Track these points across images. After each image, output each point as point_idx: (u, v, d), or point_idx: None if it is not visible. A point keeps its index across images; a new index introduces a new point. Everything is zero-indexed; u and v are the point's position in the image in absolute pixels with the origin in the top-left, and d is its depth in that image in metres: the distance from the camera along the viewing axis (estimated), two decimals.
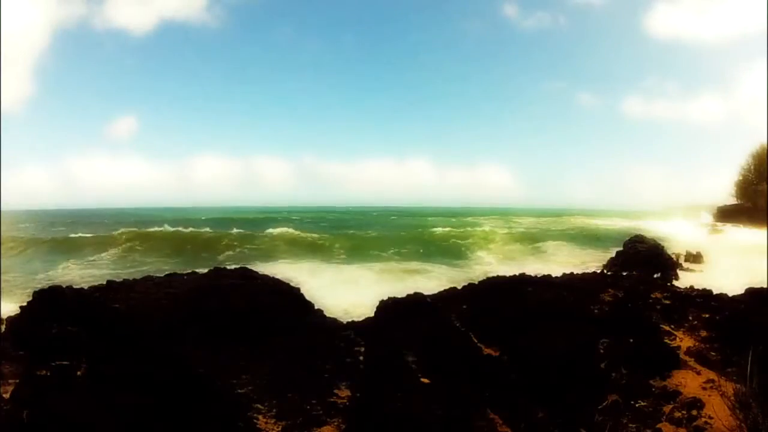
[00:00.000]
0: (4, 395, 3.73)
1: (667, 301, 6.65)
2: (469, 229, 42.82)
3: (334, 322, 6.90)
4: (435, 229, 42.73)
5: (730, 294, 6.68)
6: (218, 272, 7.70)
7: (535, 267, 15.79)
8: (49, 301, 5.01)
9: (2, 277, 17.30)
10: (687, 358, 5.34)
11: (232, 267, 8.15)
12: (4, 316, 5.28)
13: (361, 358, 5.74)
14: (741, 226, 42.15)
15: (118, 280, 8.01)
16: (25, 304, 5.10)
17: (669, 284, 7.46)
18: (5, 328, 4.99)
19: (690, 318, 6.20)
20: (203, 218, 61.15)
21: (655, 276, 13.75)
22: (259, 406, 4.77)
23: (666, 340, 5.70)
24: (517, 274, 7.81)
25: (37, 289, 5.26)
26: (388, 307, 6.50)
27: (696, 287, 7.19)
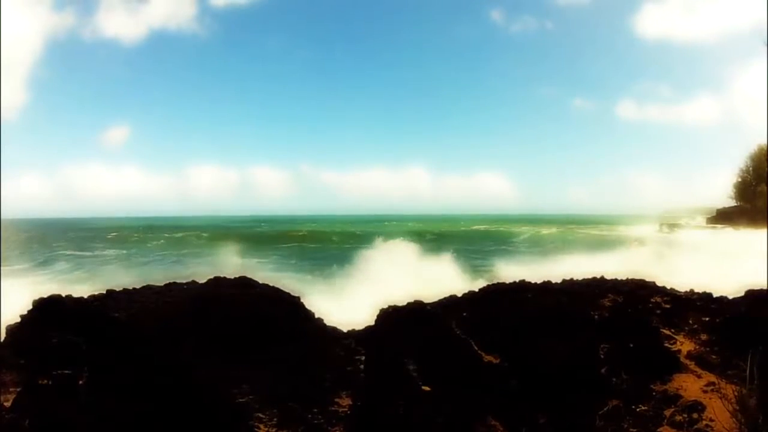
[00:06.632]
0: (5, 404, 3.73)
1: (667, 305, 6.64)
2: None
3: (334, 331, 6.89)
4: None
5: (730, 296, 6.68)
6: (218, 281, 7.69)
7: None
8: (48, 310, 5.02)
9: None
10: (687, 361, 5.34)
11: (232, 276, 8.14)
12: (4, 324, 5.27)
13: (362, 366, 5.74)
14: (734, 227, 42.22)
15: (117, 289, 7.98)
16: (25, 312, 5.10)
17: (669, 288, 7.47)
18: (5, 337, 4.99)
19: (690, 321, 6.20)
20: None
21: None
22: (260, 415, 4.76)
23: (666, 344, 5.70)
24: (516, 280, 7.80)
25: (36, 299, 5.26)
26: (388, 315, 6.48)
27: (696, 290, 7.19)
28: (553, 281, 7.92)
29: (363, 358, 5.88)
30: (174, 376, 4.43)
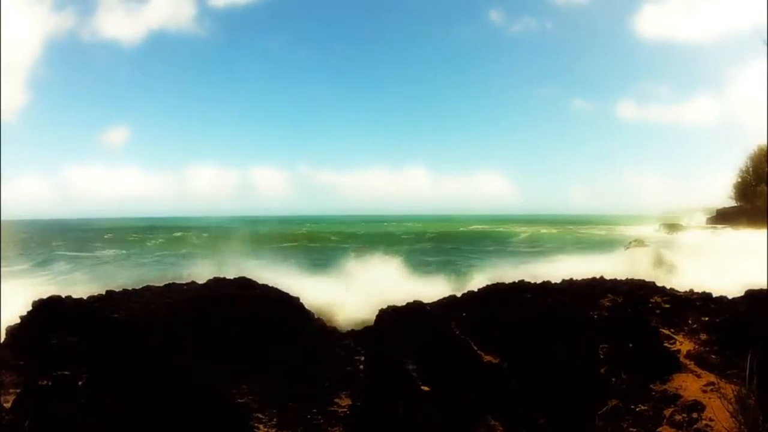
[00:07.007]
0: (5, 404, 3.73)
1: (667, 305, 6.64)
2: None
3: (333, 331, 6.89)
4: None
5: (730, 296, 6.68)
6: (218, 282, 7.68)
7: None
8: (48, 312, 5.02)
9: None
10: (687, 361, 5.34)
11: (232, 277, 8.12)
12: (4, 324, 5.27)
13: (362, 366, 5.74)
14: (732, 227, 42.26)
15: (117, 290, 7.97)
16: (24, 313, 5.10)
17: (668, 288, 7.47)
18: (5, 338, 4.99)
19: (690, 321, 6.20)
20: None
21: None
22: (260, 415, 4.76)
23: (666, 344, 5.70)
24: (516, 281, 7.80)
25: (36, 299, 5.25)
26: (387, 316, 6.48)
27: (695, 290, 7.19)
28: (553, 281, 7.92)
29: (363, 358, 5.88)
30: (174, 377, 4.44)
